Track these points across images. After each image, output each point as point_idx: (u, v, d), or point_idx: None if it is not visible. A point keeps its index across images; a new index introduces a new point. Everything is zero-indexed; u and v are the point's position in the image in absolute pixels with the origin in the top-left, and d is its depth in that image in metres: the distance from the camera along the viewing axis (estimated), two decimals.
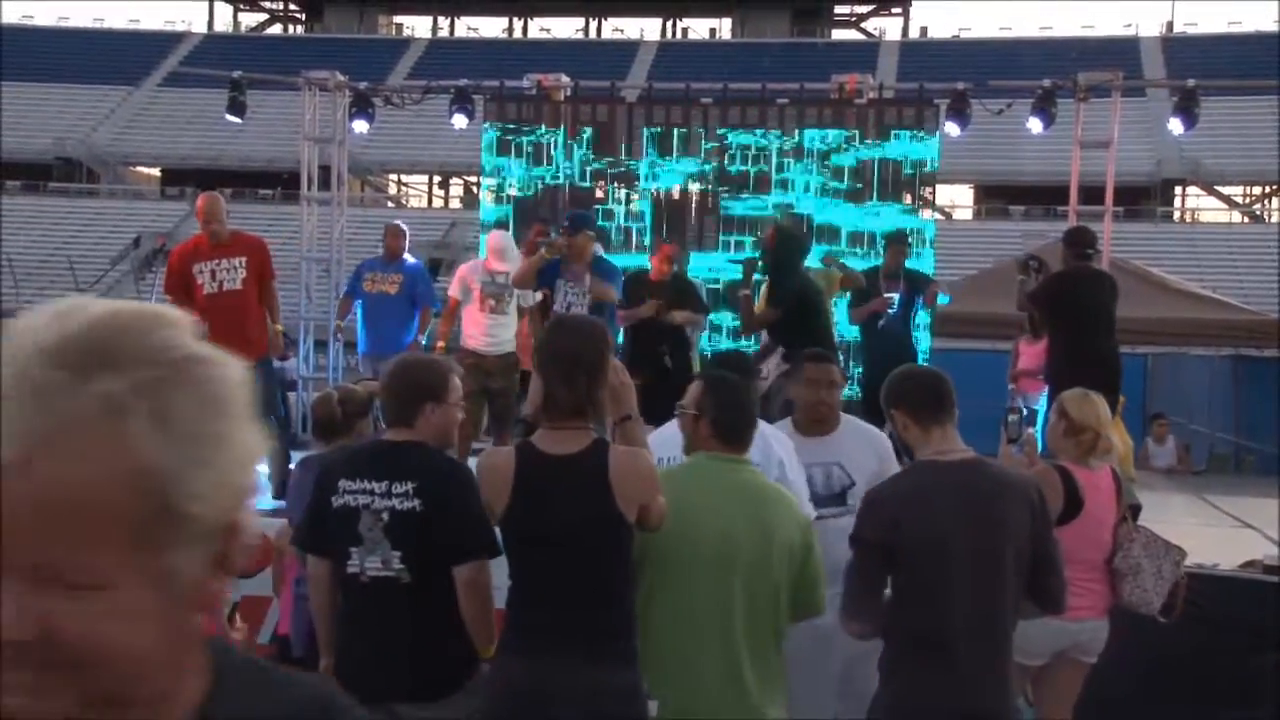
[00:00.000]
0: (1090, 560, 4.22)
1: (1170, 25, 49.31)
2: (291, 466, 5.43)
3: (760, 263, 7.35)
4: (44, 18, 54.07)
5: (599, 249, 7.54)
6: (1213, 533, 7.00)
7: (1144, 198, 38.62)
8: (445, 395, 3.57)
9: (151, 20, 63.49)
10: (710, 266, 10.15)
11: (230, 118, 11.70)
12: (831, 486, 4.25)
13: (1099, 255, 7.97)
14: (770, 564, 3.34)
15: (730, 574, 3.31)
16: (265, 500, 6.86)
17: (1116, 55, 31.86)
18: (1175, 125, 10.42)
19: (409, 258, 8.99)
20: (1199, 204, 44.38)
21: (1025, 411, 8.55)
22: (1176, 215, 42.51)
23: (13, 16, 52.31)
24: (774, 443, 3.88)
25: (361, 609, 3.46)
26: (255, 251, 6.77)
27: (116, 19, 63.54)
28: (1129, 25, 49.07)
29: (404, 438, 3.50)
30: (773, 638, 3.39)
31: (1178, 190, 42.99)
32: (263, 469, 7.10)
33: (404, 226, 9.14)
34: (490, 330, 7.67)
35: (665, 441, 3.74)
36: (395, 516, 3.38)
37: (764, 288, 7.27)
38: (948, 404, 3.36)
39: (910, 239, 9.15)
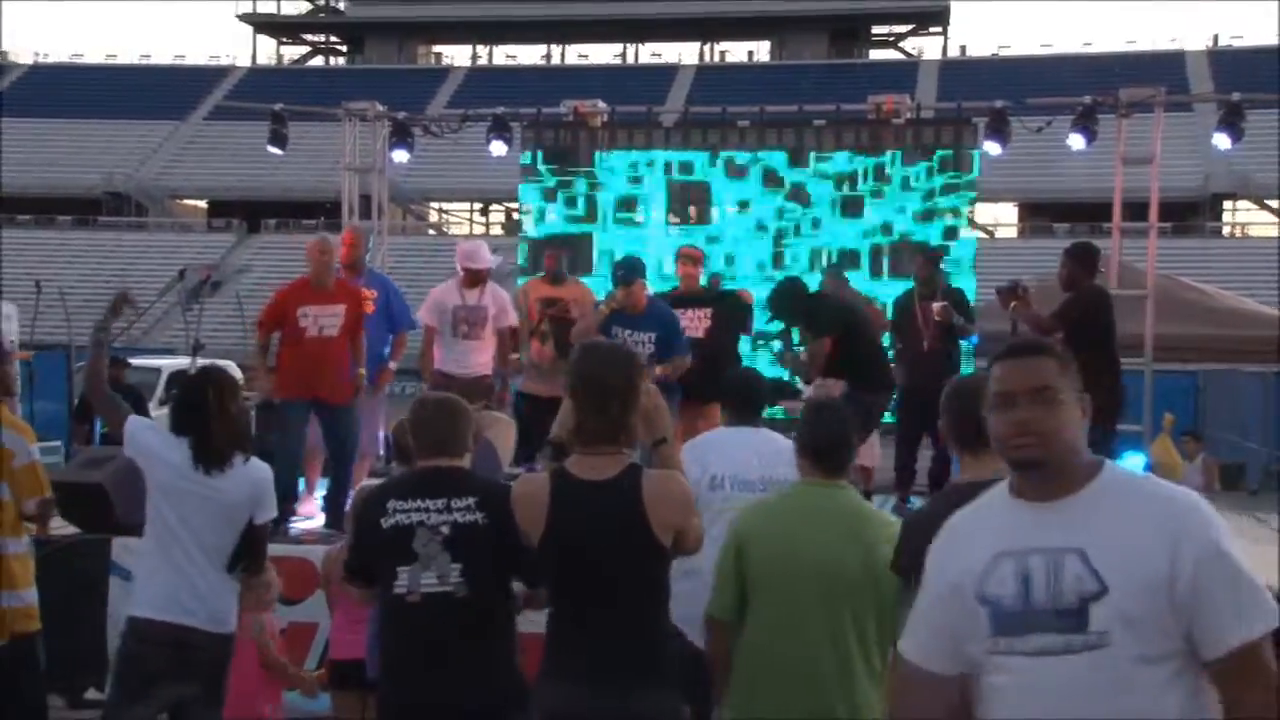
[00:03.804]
0: None
1: (1216, 39, 48.85)
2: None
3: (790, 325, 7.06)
4: (93, 55, 54.96)
5: (650, 290, 7.34)
6: (1263, 551, 6.82)
7: (1192, 213, 38.14)
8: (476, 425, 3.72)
9: (196, 56, 64.55)
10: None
11: (272, 149, 11.81)
12: (1059, 594, 2.11)
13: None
14: (878, 586, 3.36)
15: (839, 600, 3.36)
16: (305, 523, 6.89)
17: (1161, 70, 31.58)
18: (1221, 140, 10.25)
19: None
20: (1249, 218, 43.79)
21: None
22: (1226, 230, 41.98)
23: (63, 55, 53.49)
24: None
25: (411, 629, 3.44)
26: (353, 303, 6.93)
27: (163, 55, 64.48)
28: (1174, 40, 48.71)
29: (450, 464, 3.55)
30: (884, 663, 3.38)
31: (1227, 205, 42.45)
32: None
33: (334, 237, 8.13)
34: (462, 352, 7.65)
35: (698, 447, 3.69)
36: (457, 529, 3.39)
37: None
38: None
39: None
